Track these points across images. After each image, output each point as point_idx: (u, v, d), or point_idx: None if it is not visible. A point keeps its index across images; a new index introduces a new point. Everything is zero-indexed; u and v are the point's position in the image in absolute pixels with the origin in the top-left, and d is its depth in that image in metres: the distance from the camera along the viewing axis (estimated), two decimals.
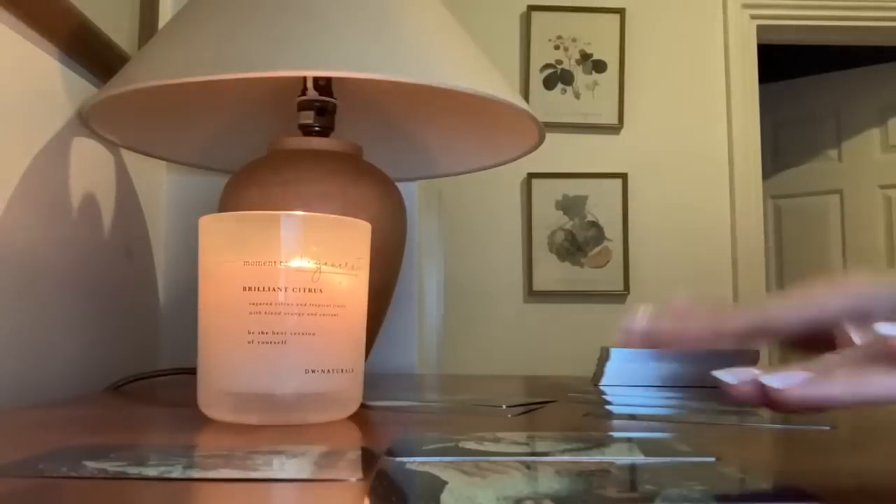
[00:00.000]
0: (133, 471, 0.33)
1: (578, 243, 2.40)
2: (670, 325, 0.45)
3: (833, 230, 3.32)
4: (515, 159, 0.93)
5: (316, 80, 0.84)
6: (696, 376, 0.86)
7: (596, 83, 2.44)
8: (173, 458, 0.37)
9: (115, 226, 0.96)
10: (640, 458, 0.37)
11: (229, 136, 0.98)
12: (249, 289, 0.50)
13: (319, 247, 0.52)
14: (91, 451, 0.38)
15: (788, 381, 0.31)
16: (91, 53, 0.86)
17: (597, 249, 2.41)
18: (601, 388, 0.84)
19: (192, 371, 0.56)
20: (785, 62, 3.28)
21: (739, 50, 2.51)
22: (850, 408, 0.33)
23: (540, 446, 0.40)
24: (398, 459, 0.36)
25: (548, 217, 2.41)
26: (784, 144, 3.43)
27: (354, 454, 0.39)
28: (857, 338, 0.39)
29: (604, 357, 0.88)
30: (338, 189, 0.79)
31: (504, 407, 0.62)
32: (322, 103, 0.85)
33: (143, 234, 1.06)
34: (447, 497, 0.28)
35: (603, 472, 0.33)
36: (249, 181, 0.81)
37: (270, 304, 0.50)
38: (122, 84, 0.71)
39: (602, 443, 0.41)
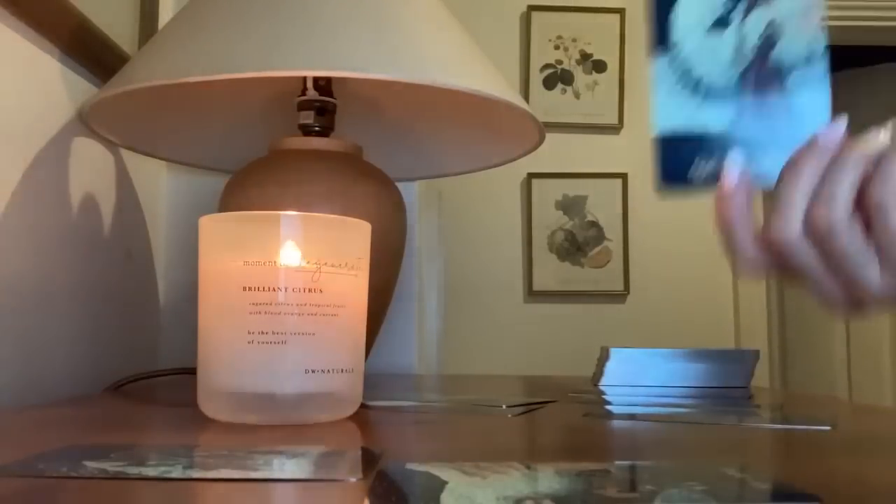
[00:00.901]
0: (133, 471, 0.33)
1: (578, 243, 2.40)
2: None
3: None
4: (515, 159, 0.93)
5: (316, 80, 0.84)
6: (695, 376, 0.87)
7: (596, 83, 2.44)
8: (173, 458, 0.37)
9: (115, 226, 0.96)
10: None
11: (229, 136, 0.98)
12: (249, 289, 0.50)
13: (319, 247, 0.52)
14: (91, 451, 0.38)
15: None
16: (91, 53, 0.86)
17: (597, 249, 2.41)
18: (601, 388, 0.84)
19: (192, 371, 0.56)
20: None
21: None
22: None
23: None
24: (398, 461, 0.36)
25: (548, 217, 2.41)
26: None
27: (354, 454, 0.39)
28: None
29: (604, 357, 0.88)
30: (338, 189, 0.79)
31: (504, 407, 0.62)
32: (322, 103, 0.85)
33: (142, 233, 1.06)
34: (447, 497, 0.28)
35: (603, 472, 0.33)
36: (249, 181, 0.81)
37: (270, 304, 0.50)
38: (122, 84, 0.71)
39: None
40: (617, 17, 2.46)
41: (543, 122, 0.83)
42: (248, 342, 0.50)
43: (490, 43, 2.36)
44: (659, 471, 0.34)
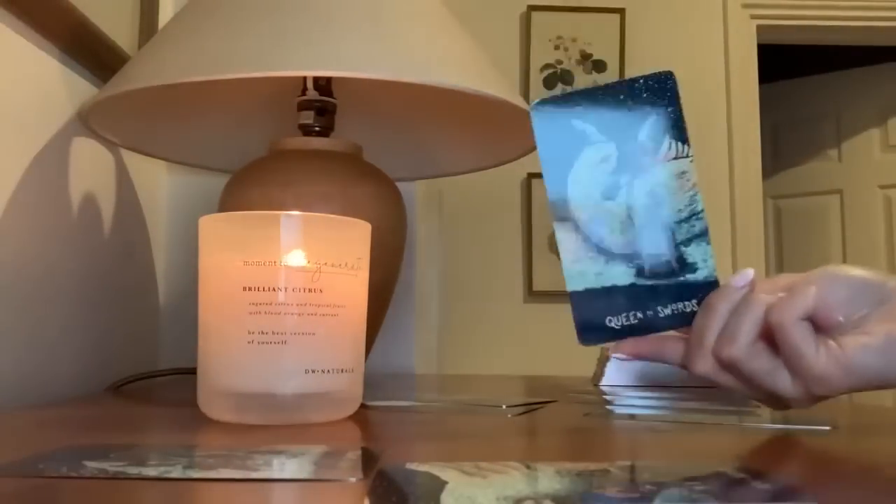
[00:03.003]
0: (133, 471, 0.33)
1: None
2: (649, 349, 0.51)
3: (833, 230, 3.31)
4: (515, 159, 0.93)
5: (316, 80, 0.84)
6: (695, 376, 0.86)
7: (596, 83, 2.44)
8: (173, 458, 0.37)
9: (115, 226, 0.96)
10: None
11: (229, 136, 0.98)
12: (249, 289, 0.50)
13: (319, 247, 0.52)
14: (91, 451, 0.38)
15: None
16: (91, 53, 0.86)
17: None
18: (601, 388, 0.84)
19: (192, 371, 0.56)
20: (785, 62, 3.28)
21: (739, 50, 2.51)
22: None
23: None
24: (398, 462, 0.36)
25: (548, 217, 2.41)
26: (784, 144, 3.43)
27: (354, 454, 0.39)
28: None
29: (604, 357, 0.88)
30: (338, 189, 0.79)
31: (504, 407, 0.62)
32: (322, 103, 0.85)
33: (143, 234, 1.06)
34: (447, 497, 0.28)
35: (603, 472, 0.33)
36: (249, 181, 0.81)
37: (270, 304, 0.50)
38: (122, 84, 0.71)
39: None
40: (617, 17, 2.46)
41: None
42: (248, 342, 0.50)
43: (490, 43, 2.36)
44: (659, 471, 0.34)
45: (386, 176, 0.85)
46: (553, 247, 2.45)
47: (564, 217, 0.49)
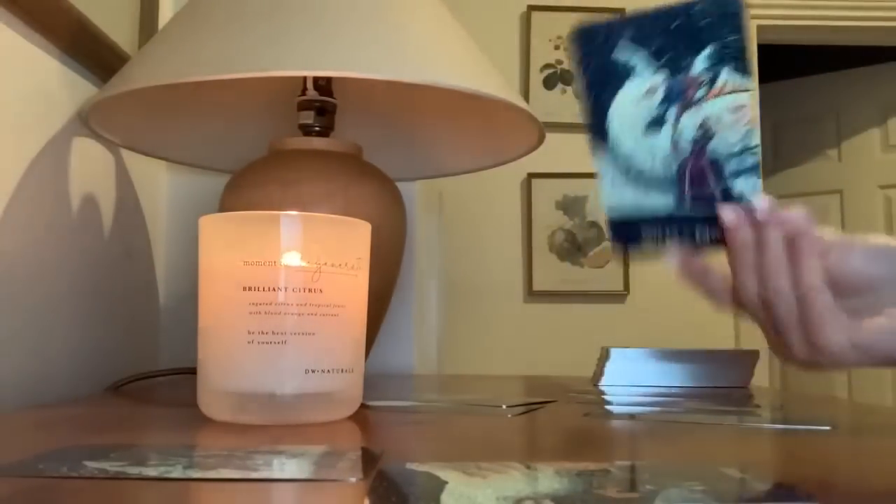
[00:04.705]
0: (133, 471, 0.33)
1: (578, 243, 2.40)
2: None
3: None
4: (515, 159, 0.93)
5: (316, 80, 0.84)
6: (695, 376, 0.87)
7: None
8: (173, 458, 0.37)
9: (115, 226, 0.96)
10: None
11: (229, 136, 0.98)
12: (249, 289, 0.50)
13: (319, 247, 0.52)
14: (91, 451, 0.38)
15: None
16: (91, 53, 0.86)
17: (597, 249, 2.41)
18: (601, 388, 0.84)
19: (192, 371, 0.56)
20: (785, 62, 3.28)
21: None
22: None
23: None
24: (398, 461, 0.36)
25: (548, 217, 2.41)
26: (784, 144, 3.43)
27: (354, 454, 0.39)
28: None
29: (604, 357, 0.88)
30: (338, 189, 0.79)
31: (504, 407, 0.62)
32: (322, 103, 0.85)
33: (143, 234, 1.06)
34: (447, 497, 0.28)
35: (603, 472, 0.33)
36: (249, 181, 0.81)
37: (270, 304, 0.50)
38: (122, 84, 0.71)
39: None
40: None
41: (543, 122, 0.83)
42: (248, 342, 0.50)
43: (490, 43, 2.36)
44: (659, 471, 0.34)
45: (386, 176, 0.85)
46: (553, 247, 2.45)
47: (604, 147, 0.47)
